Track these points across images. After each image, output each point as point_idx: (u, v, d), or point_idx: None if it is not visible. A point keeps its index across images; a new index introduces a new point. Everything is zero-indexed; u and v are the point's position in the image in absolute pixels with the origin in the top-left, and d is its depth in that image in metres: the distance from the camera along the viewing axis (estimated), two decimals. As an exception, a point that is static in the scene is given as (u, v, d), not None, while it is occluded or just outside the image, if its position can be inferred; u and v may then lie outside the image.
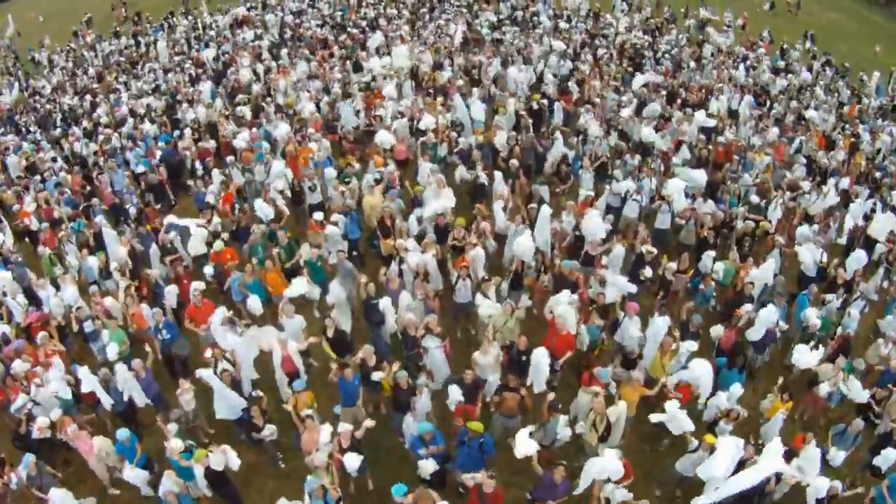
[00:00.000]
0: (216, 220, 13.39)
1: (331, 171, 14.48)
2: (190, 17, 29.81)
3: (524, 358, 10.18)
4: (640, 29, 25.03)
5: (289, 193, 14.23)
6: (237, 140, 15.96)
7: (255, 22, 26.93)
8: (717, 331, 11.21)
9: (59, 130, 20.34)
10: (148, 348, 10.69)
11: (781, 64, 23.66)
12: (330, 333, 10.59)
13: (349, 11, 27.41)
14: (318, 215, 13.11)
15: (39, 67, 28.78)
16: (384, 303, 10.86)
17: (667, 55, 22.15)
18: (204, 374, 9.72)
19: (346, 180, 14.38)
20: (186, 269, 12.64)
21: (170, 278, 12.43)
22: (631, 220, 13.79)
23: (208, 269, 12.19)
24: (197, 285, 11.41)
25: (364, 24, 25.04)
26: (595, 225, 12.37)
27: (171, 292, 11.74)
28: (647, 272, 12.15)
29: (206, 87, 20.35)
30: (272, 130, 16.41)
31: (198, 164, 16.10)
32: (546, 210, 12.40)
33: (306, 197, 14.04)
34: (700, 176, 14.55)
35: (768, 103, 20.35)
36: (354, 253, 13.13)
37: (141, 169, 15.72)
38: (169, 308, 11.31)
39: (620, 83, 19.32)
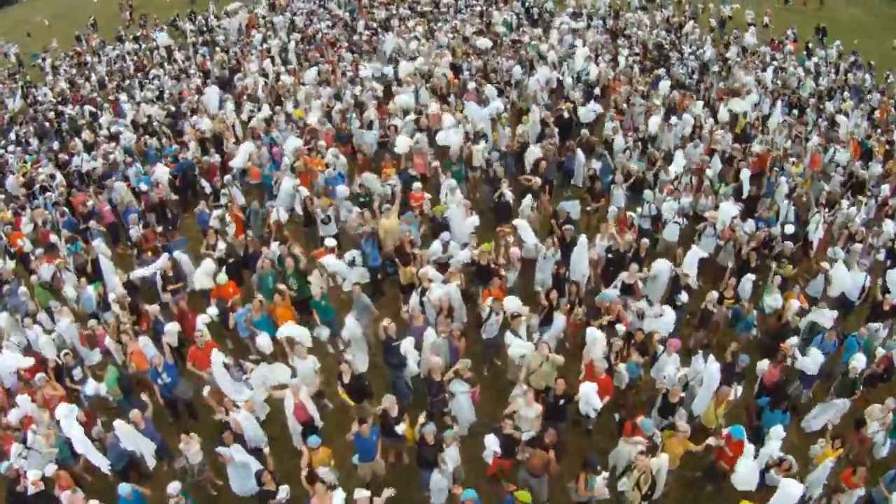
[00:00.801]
0: (221, 245, 12.15)
1: (342, 190, 13.27)
2: (198, 20, 28.24)
3: (562, 402, 9.08)
4: (662, 27, 23.43)
5: (300, 211, 12.96)
6: (241, 153, 14.61)
7: (262, 24, 25.52)
8: (762, 366, 10.08)
9: (57, 143, 19.04)
10: (145, 397, 9.49)
11: (809, 65, 22.08)
12: (346, 378, 9.38)
13: (359, 11, 25.85)
14: (331, 241, 11.85)
15: (43, 74, 27.45)
16: (406, 345, 9.67)
17: (691, 56, 20.58)
18: (224, 452, 8.56)
19: (362, 200, 13.10)
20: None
21: (172, 313, 11.18)
22: (671, 245, 12.48)
23: (212, 310, 10.94)
24: (201, 323, 10.24)
25: (375, 25, 23.56)
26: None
27: (171, 332, 10.56)
28: (684, 297, 10.98)
29: (212, 92, 19.06)
30: (281, 143, 15.10)
31: (203, 183, 14.75)
32: (584, 241, 11.10)
33: (318, 228, 12.73)
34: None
35: (799, 108, 18.85)
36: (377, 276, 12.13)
37: (143, 187, 14.41)
38: (168, 349, 10.08)
39: (647, 87, 17.84)
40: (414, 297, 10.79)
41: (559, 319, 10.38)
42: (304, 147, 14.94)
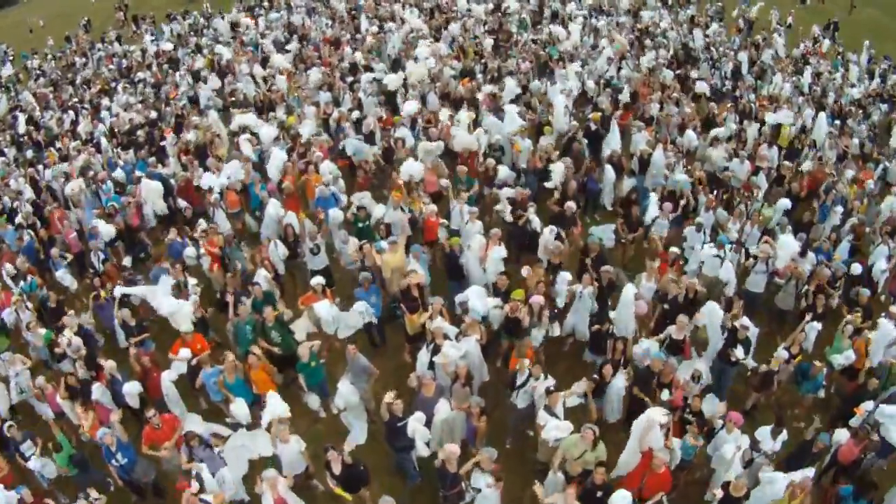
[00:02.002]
0: (192, 282, 9.93)
1: (336, 214, 10.93)
2: (189, 19, 25.85)
3: (599, 494, 7.03)
4: (688, 27, 20.97)
5: (282, 252, 10.62)
6: (223, 171, 12.35)
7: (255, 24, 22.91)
8: (839, 438, 8.01)
9: (30, 152, 16.78)
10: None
11: (852, 72, 19.52)
12: (336, 468, 7.24)
13: (365, 8, 23.35)
14: (318, 281, 9.56)
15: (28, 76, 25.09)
16: (414, 424, 7.46)
17: (723, 59, 18.15)
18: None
19: (360, 226, 10.81)
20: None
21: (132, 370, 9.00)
22: (714, 283, 10.23)
23: (178, 366, 8.73)
24: (167, 381, 8.10)
25: (377, 23, 20.97)
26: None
27: (131, 393, 8.43)
28: (739, 353, 8.88)
29: (203, 93, 16.75)
30: (266, 158, 12.79)
31: (182, 203, 12.49)
32: (630, 292, 8.84)
33: (307, 260, 10.47)
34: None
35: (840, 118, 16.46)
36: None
37: (114, 207, 12.15)
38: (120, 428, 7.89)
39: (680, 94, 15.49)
40: (423, 356, 8.58)
41: (616, 386, 8.14)
42: (295, 161, 12.66)
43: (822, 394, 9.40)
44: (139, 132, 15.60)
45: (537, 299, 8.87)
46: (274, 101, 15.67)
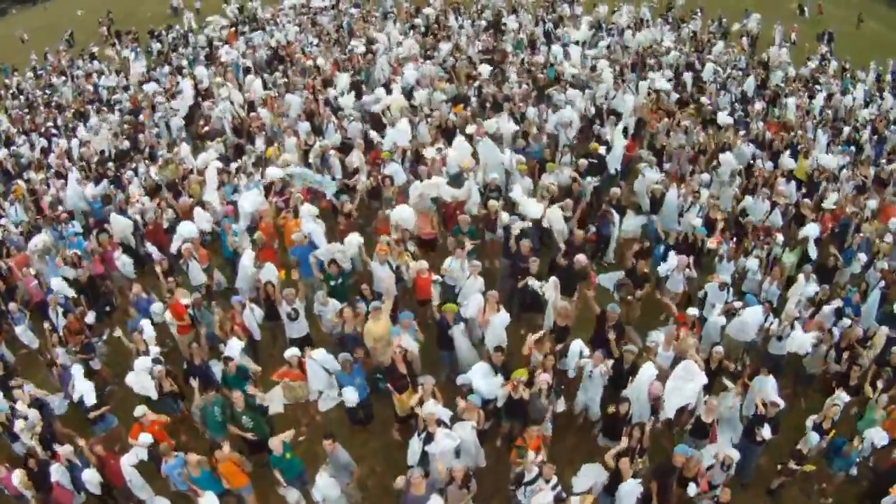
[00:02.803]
0: (154, 349, 8.68)
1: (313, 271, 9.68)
2: (172, 33, 24.36)
3: None
4: (692, 45, 19.73)
5: (258, 315, 9.34)
6: (196, 217, 11.07)
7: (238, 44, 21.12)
8: None
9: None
10: None
11: (856, 90, 18.35)
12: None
13: (354, 22, 21.98)
14: (292, 353, 8.28)
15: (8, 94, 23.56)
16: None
17: (732, 80, 16.90)
18: None
19: (332, 284, 9.50)
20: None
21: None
22: (736, 345, 9.05)
23: (139, 451, 7.49)
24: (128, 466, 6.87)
25: (363, 41, 19.39)
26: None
27: (91, 481, 7.23)
28: (766, 433, 7.78)
29: (174, 122, 15.46)
30: (239, 200, 11.39)
31: (150, 247, 11.20)
32: (647, 373, 7.62)
33: (284, 324, 9.18)
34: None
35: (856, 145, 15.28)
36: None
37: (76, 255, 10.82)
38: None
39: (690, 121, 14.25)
40: (414, 444, 7.33)
41: (629, 489, 6.92)
42: (272, 203, 11.40)
43: (854, 471, 8.29)
44: (110, 164, 14.31)
45: (545, 378, 7.65)
46: (252, 131, 14.32)
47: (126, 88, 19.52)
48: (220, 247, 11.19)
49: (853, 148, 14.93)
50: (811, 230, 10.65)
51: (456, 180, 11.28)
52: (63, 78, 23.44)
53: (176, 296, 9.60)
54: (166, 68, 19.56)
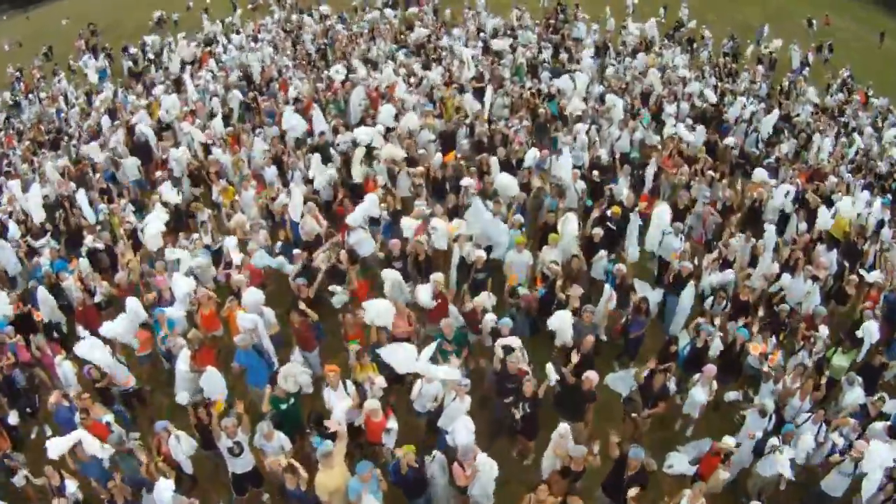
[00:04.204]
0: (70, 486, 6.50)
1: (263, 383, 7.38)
2: (131, 53, 21.50)
3: None
4: (714, 73, 17.15)
5: (188, 448, 7.06)
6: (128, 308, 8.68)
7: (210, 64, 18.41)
8: None
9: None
10: None
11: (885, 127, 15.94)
12: None
13: (338, 43, 19.36)
14: None
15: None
16: None
17: (754, 114, 14.38)
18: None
19: (282, 407, 7.23)
20: None
21: None
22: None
23: None
24: None
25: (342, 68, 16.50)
26: None
27: None
28: None
29: (127, 163, 13.03)
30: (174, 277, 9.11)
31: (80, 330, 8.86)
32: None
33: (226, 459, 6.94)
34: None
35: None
36: None
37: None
38: None
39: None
40: None
41: None
42: (220, 279, 9.10)
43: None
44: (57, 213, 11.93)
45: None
46: (209, 178, 11.94)
47: (88, 115, 17.00)
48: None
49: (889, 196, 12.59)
50: (871, 330, 8.32)
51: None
52: (31, 97, 21.10)
53: (93, 413, 7.36)
54: (131, 95, 16.97)
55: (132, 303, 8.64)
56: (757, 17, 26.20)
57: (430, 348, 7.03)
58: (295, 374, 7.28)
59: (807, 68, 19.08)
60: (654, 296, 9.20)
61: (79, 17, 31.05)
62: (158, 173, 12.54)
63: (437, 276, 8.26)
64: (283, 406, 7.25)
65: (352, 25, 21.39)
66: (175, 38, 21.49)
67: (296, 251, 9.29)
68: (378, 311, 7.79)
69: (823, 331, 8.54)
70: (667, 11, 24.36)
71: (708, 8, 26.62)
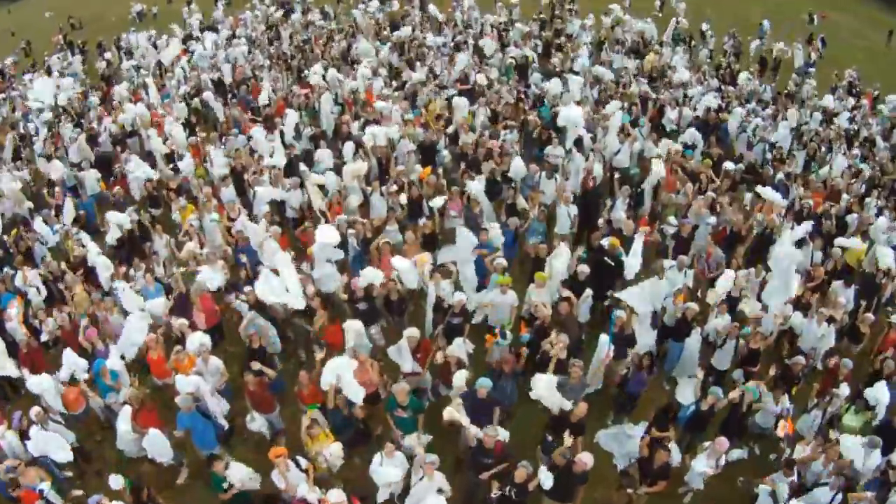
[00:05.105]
0: None
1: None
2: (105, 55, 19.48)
3: None
4: (711, 75, 15.62)
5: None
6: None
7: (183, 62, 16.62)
8: None
9: None
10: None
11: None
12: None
13: (315, 40, 17.67)
14: None
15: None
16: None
17: (759, 129, 12.72)
18: None
19: (223, 486, 6.10)
20: None
21: None
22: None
23: None
24: None
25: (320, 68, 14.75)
26: None
27: None
28: None
29: (87, 175, 11.64)
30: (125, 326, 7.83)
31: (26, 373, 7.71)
32: None
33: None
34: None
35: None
36: None
37: None
38: None
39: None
40: None
41: None
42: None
43: None
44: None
45: None
46: (168, 197, 10.58)
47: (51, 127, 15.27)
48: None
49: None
50: (880, 396, 7.09)
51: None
52: (2, 96, 19.45)
53: (24, 481, 6.21)
54: (94, 97, 15.36)
55: (68, 357, 7.43)
56: (756, 13, 24.69)
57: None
58: (243, 480, 6.08)
59: (812, 69, 17.55)
60: (646, 339, 7.96)
61: (63, 10, 29.38)
62: (116, 189, 11.20)
63: (411, 333, 7.00)
64: (222, 486, 6.08)
65: (332, 23, 19.78)
66: (150, 34, 19.91)
67: (247, 288, 7.99)
68: (340, 367, 6.52)
69: (844, 390, 7.31)
70: (663, 6, 22.81)
71: (706, 2, 25.07)
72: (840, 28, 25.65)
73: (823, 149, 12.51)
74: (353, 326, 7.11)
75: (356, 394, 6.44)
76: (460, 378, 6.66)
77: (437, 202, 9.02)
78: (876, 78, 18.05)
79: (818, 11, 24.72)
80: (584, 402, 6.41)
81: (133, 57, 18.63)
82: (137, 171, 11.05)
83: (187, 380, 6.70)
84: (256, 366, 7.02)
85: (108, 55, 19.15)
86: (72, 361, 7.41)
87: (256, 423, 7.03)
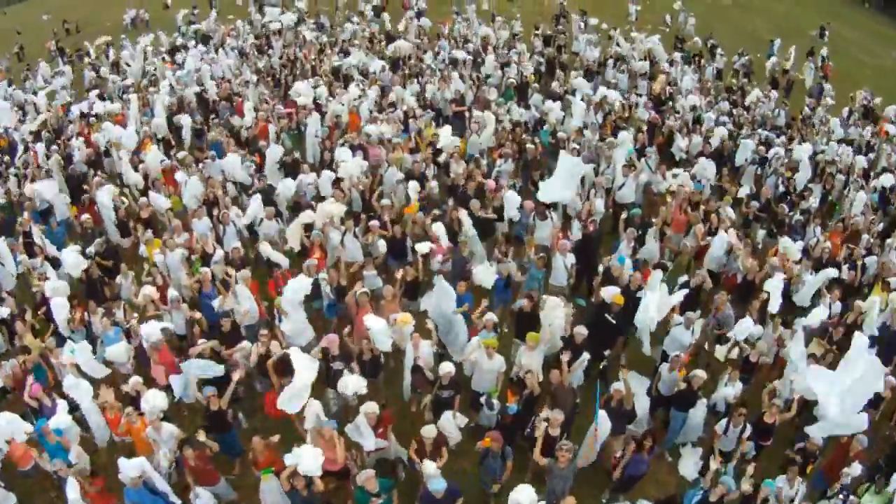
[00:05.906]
0: None
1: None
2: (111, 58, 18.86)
3: None
4: (722, 98, 14.60)
5: None
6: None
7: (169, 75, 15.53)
8: None
9: None
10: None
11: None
12: None
13: (305, 55, 16.63)
14: None
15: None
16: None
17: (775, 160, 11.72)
18: None
19: None
20: None
21: None
22: None
23: None
24: None
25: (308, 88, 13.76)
26: None
27: None
28: None
29: (58, 201, 10.77)
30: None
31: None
32: None
33: None
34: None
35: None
36: None
37: None
38: None
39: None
40: None
41: None
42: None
43: None
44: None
45: None
46: (134, 229, 9.70)
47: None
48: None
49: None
50: None
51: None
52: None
53: None
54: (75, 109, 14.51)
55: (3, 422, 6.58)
56: (764, 29, 23.76)
57: None
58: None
59: (825, 89, 16.51)
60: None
61: (60, 13, 28.59)
62: (85, 217, 10.27)
63: (369, 409, 6.13)
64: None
65: (324, 35, 18.87)
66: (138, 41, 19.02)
67: (201, 341, 7.14)
68: (295, 459, 5.68)
69: (856, 468, 6.44)
70: (673, 20, 21.85)
71: (713, 17, 24.10)
72: (850, 44, 24.71)
73: (839, 182, 11.54)
74: (311, 409, 6.21)
75: (312, 467, 5.65)
76: (430, 465, 5.77)
77: (423, 248, 8.10)
78: (885, 95, 17.12)
79: (827, 25, 23.73)
80: (571, 496, 5.52)
81: (120, 72, 17.75)
82: (107, 200, 10.12)
83: (130, 463, 5.84)
84: (202, 437, 6.20)
85: (103, 69, 18.35)
86: (6, 427, 6.57)
87: (202, 499, 6.20)
